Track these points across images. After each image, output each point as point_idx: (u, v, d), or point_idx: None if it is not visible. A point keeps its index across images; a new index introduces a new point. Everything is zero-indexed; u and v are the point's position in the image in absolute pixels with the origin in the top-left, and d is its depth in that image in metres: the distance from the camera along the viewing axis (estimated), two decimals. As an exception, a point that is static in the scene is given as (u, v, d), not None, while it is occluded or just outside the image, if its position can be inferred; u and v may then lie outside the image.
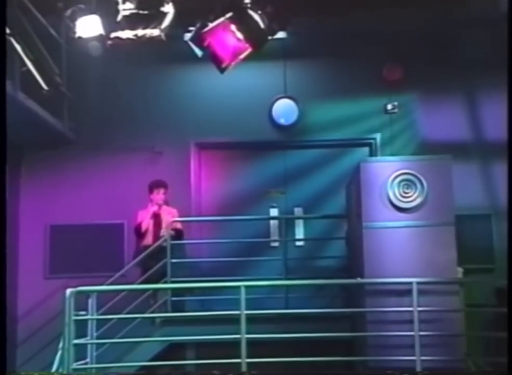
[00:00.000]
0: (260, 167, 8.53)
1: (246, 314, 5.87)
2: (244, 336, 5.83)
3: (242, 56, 5.68)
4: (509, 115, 5.05)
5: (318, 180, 8.39)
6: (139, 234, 7.70)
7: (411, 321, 5.82)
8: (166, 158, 8.40)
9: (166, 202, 7.86)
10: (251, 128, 8.33)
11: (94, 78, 8.32)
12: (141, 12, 5.70)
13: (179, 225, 7.72)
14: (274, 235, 8.29)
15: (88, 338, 6.26)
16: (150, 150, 8.40)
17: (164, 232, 7.47)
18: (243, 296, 5.89)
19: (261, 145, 8.56)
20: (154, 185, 7.75)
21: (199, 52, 5.72)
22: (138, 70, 8.41)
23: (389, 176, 6.25)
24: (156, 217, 7.73)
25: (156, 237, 7.53)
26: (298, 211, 8.43)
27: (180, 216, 7.84)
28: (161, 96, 8.48)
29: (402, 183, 6.25)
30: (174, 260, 7.39)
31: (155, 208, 7.68)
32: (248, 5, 5.49)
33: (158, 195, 7.71)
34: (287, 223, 7.97)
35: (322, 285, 7.25)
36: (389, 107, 8.30)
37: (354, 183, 6.73)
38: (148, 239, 7.63)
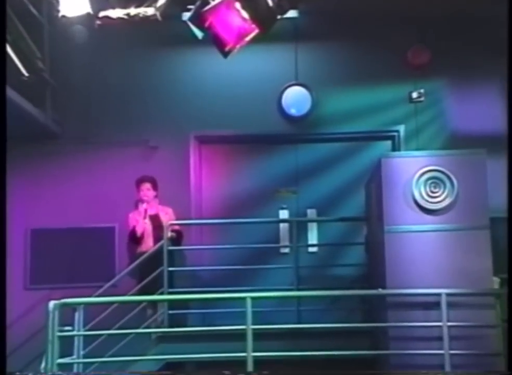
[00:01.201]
0: (268, 163, 8.55)
1: (253, 329, 5.89)
2: (250, 354, 5.85)
3: (248, 38, 5.67)
4: (509, 114, 5.13)
5: (334, 179, 8.41)
6: (135, 239, 7.77)
7: (440, 338, 5.83)
8: (162, 153, 8.42)
9: (156, 200, 7.92)
10: (257, 120, 8.35)
11: (80, 63, 8.34)
12: (134, -12, 5.65)
13: (176, 227, 7.79)
14: (285, 240, 8.31)
15: (74, 357, 6.28)
16: (144, 144, 8.41)
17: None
18: (249, 308, 5.91)
19: (270, 139, 8.58)
20: (139, 181, 7.85)
21: (199, 33, 5.71)
22: (131, 54, 8.44)
23: (414, 173, 6.27)
24: (155, 219, 7.79)
25: (158, 241, 7.59)
26: (311, 213, 8.45)
27: (178, 217, 7.90)
28: (156, 84, 8.49)
29: (429, 181, 6.26)
30: (171, 269, 7.43)
31: (144, 206, 7.76)
32: (255, -20, 5.46)
33: (143, 191, 7.81)
34: (299, 227, 7.91)
35: (338, 297, 7.28)
36: (414, 95, 8.30)
37: (374, 181, 6.73)
38: (148, 244, 7.71)
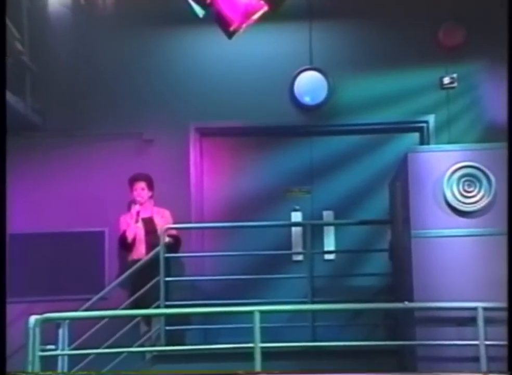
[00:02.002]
0: (279, 159, 8.55)
1: (262, 348, 5.84)
2: (259, 377, 5.83)
3: (255, 16, 5.62)
4: (509, 113, 5.37)
5: (354, 176, 8.42)
6: (126, 245, 7.80)
7: (476, 358, 5.79)
8: (157, 148, 8.42)
9: (151, 201, 7.94)
10: (267, 109, 8.35)
11: (64, 45, 8.36)
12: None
13: (173, 231, 7.79)
14: (297, 246, 8.30)
15: (58, 379, 6.28)
16: (137, 137, 8.41)
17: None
18: (257, 324, 5.86)
19: (281, 131, 8.56)
20: (133, 179, 7.86)
21: (200, 11, 5.69)
22: (122, 34, 8.43)
23: (446, 170, 6.24)
24: (148, 222, 7.81)
25: (151, 247, 7.62)
26: (327, 215, 8.45)
27: (176, 220, 7.90)
28: (151, 69, 8.50)
29: (463, 179, 6.23)
30: (168, 279, 7.45)
31: (136, 208, 7.76)
32: None
33: (137, 191, 7.82)
34: (313, 231, 7.89)
35: (359, 311, 7.30)
36: (446, 80, 8.30)
37: (400, 179, 6.71)
38: (140, 251, 7.75)
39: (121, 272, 7.84)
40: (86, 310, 7.11)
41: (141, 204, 7.81)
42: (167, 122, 8.41)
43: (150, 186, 7.87)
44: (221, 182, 8.56)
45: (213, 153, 8.63)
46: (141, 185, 7.84)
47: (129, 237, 7.74)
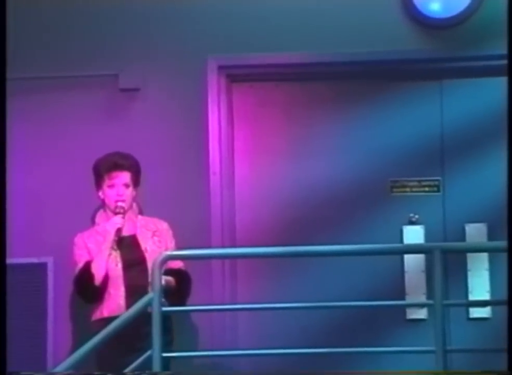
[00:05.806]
0: (378, 123, 8.20)
1: None
2: None
3: None
4: (509, 114, 5.80)
5: None
6: (89, 290, 7.32)
7: None
8: (146, 103, 8.18)
9: (138, 208, 7.70)
10: (355, 30, 8.07)
11: None
12: None
13: (177, 263, 7.39)
14: (416, 292, 7.99)
15: None
16: (109, 84, 8.18)
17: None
18: None
19: (383, 69, 8.26)
20: (107, 166, 7.49)
21: None
22: None
23: None
24: (128, 246, 7.32)
25: (135, 295, 7.08)
26: (474, 231, 8.04)
27: (182, 241, 7.48)
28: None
29: None
30: (168, 354, 6.74)
31: (116, 221, 7.26)
32: None
33: (115, 189, 7.42)
34: (447, 262, 7.26)
35: None
36: None
37: None
38: (113, 303, 7.26)
39: (79, 339, 7.53)
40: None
41: (123, 213, 7.28)
42: (164, 57, 8.18)
43: (136, 180, 7.42)
44: (267, 167, 8.21)
45: (251, 113, 8.28)
46: (124, 177, 7.36)
47: (97, 275, 7.16)
